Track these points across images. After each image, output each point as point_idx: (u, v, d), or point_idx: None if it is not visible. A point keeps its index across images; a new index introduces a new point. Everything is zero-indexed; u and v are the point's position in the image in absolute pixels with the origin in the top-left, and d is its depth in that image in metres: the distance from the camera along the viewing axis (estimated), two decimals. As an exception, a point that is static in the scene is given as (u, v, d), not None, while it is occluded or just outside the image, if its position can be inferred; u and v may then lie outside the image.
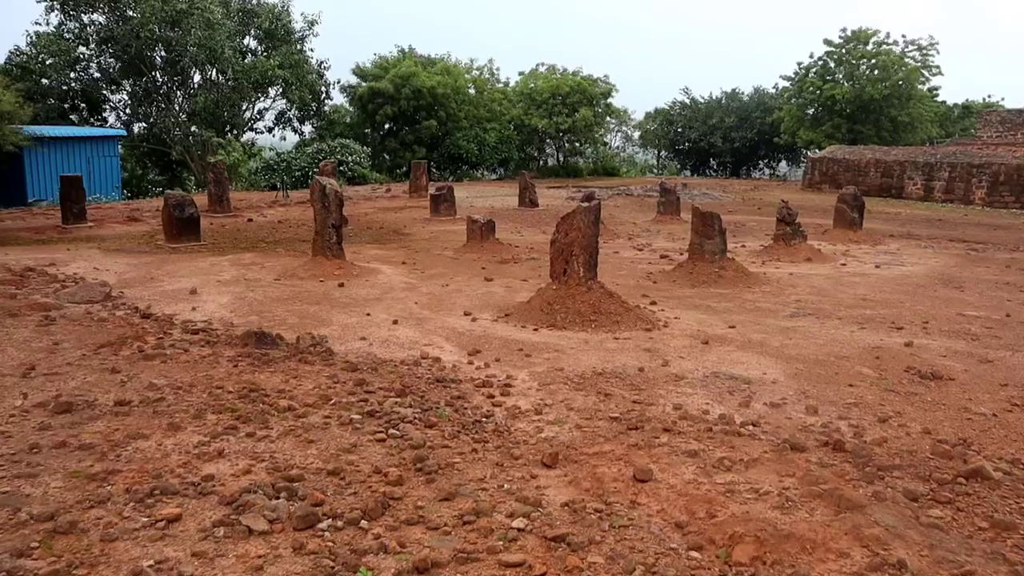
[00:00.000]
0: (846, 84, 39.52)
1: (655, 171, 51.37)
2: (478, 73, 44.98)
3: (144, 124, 37.83)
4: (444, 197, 21.34)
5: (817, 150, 37.83)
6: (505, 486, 4.45)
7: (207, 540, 3.72)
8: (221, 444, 4.90)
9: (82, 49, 35.35)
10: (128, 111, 37.70)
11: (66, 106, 35.78)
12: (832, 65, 40.53)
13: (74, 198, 18.00)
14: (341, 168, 32.11)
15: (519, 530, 3.90)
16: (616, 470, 4.66)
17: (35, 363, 6.61)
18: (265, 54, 38.76)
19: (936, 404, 6.30)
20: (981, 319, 9.60)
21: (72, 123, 34.21)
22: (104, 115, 37.64)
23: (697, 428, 5.49)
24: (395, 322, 8.84)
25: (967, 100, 48.53)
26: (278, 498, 4.12)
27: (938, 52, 39.75)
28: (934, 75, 40.57)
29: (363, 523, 3.92)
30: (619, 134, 53.29)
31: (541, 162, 46.05)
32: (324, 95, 42.20)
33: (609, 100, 44.52)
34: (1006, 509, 4.29)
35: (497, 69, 46.26)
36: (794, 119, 41.97)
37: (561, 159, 46.12)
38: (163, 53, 35.35)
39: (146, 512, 3.95)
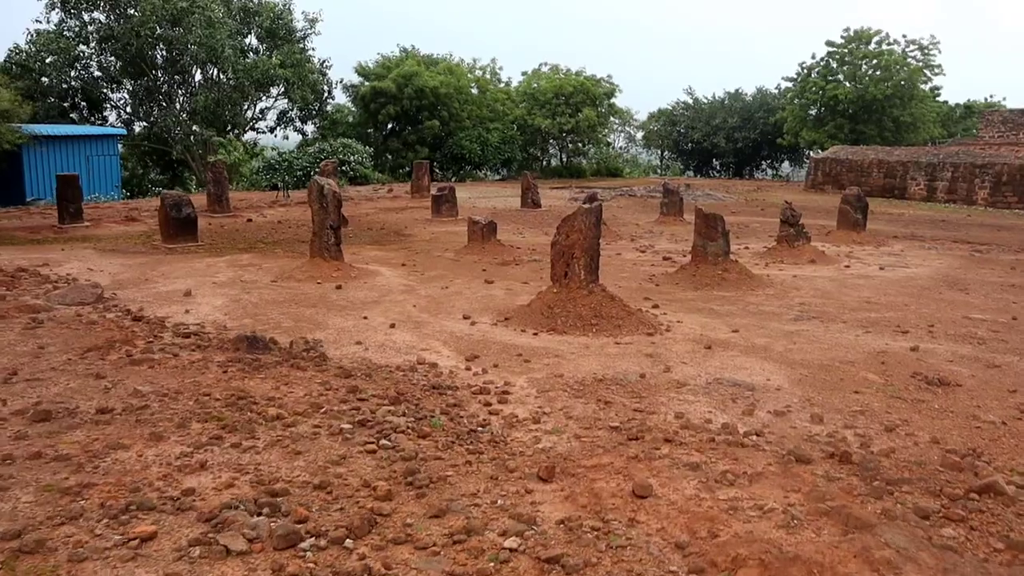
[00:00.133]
0: (848, 84, 39.35)
1: (658, 172, 51.20)
2: (481, 73, 44.84)
3: (145, 123, 37.70)
4: (445, 198, 21.17)
5: (820, 150, 37.64)
6: (499, 502, 4.26)
7: (181, 560, 3.54)
8: (204, 455, 4.71)
9: (82, 47, 35.24)
10: (129, 110, 37.58)
11: (66, 105, 35.67)
12: (834, 65, 40.37)
13: (70, 197, 17.83)
14: (343, 168, 31.96)
15: (511, 550, 3.71)
16: (615, 484, 4.47)
17: (18, 368, 6.44)
18: (267, 53, 38.62)
19: (944, 411, 6.11)
20: (987, 322, 9.41)
21: (73, 122, 34.09)
22: (105, 114, 37.53)
23: (699, 438, 5.30)
24: (392, 326, 8.66)
25: (969, 100, 48.34)
26: (260, 514, 3.93)
27: (940, 52, 39.66)
28: (936, 75, 40.47)
29: (348, 542, 3.73)
30: (622, 134, 53.12)
31: (544, 162, 45.89)
32: (326, 94, 42.06)
33: (612, 100, 44.39)
34: (1023, 528, 4.10)
35: (500, 69, 46.17)
36: (797, 119, 41.81)
37: (564, 159, 45.97)
38: (164, 52, 35.20)
39: (119, 529, 3.76)
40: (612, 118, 46.64)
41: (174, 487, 4.28)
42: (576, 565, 3.58)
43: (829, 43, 40.27)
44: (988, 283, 12.32)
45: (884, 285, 11.98)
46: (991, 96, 48.27)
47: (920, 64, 39.35)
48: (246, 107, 39.44)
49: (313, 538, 3.75)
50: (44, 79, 34.16)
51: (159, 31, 33.67)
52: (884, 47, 39.26)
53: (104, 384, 6.07)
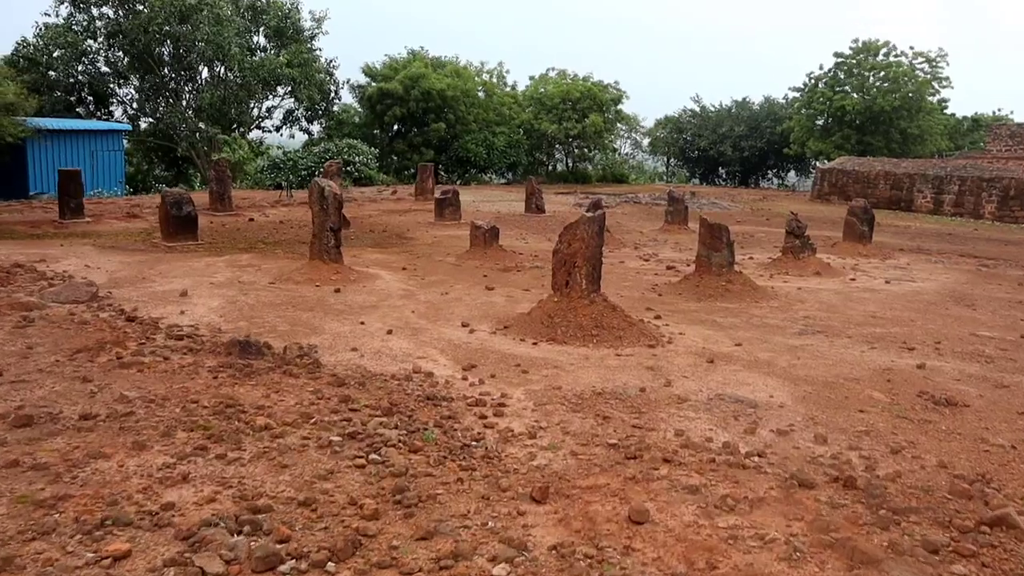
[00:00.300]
0: (856, 95, 39.18)
1: (664, 179, 51.04)
2: (488, 77, 44.74)
3: (151, 119, 37.65)
4: (449, 201, 21.01)
5: (826, 161, 37.47)
6: (489, 524, 4.10)
7: (155, 582, 3.39)
8: (188, 467, 4.56)
9: (90, 42, 35.20)
10: (135, 106, 37.55)
11: (73, 99, 35.62)
12: (842, 76, 40.21)
13: (72, 192, 17.73)
14: (348, 169, 31.83)
15: (500, 578, 3.56)
16: (610, 508, 4.31)
17: (4, 368, 6.29)
18: (274, 52, 38.55)
19: (951, 433, 5.95)
20: (995, 340, 9.24)
21: (79, 116, 34.03)
22: (111, 109, 37.49)
23: (699, 458, 5.14)
24: (389, 332, 8.51)
25: (976, 113, 48.19)
26: (240, 532, 3.78)
27: (948, 64, 39.48)
28: (944, 87, 40.29)
29: (330, 565, 3.57)
30: (628, 140, 52.94)
31: (550, 167, 45.76)
32: (333, 95, 41.97)
33: (619, 106, 44.24)
34: (1035, 565, 3.93)
35: (507, 72, 46.09)
36: (803, 129, 41.65)
37: (570, 164, 45.85)
38: (171, 48, 35.15)
39: (93, 546, 3.60)
40: (619, 124, 46.49)
41: (153, 500, 4.12)
42: (567, 595, 3.42)
43: (837, 54, 40.17)
44: (995, 299, 12.15)
45: (890, 299, 11.82)
46: (999, 109, 48.20)
47: (928, 76, 39.19)
48: (252, 105, 39.38)
49: (294, 560, 3.59)
50: (51, 73, 34.15)
51: (167, 27, 33.60)
52: (892, 58, 39.11)
53: (90, 388, 5.92)
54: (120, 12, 34.33)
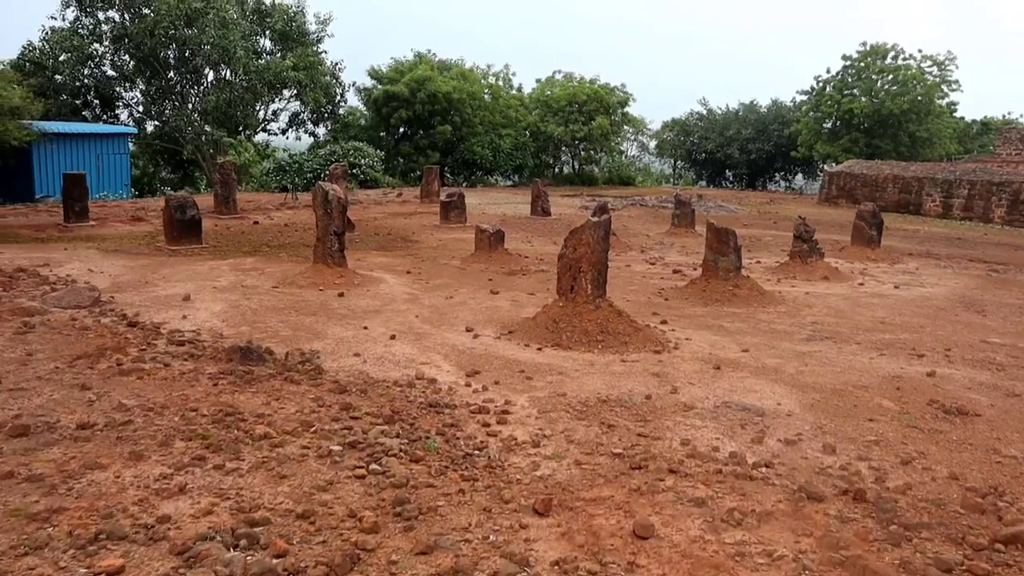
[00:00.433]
0: (864, 99, 39.01)
1: (671, 181, 50.87)
2: (494, 79, 44.67)
3: (157, 122, 37.67)
4: (454, 204, 20.91)
5: (834, 164, 37.29)
6: (491, 537, 4.01)
7: (148, 599, 3.32)
8: (185, 478, 4.48)
9: (96, 46, 35.24)
10: (141, 109, 37.57)
11: (79, 102, 35.67)
12: (850, 79, 40.05)
13: (76, 196, 17.69)
14: (353, 171, 31.79)
15: (501, 595, 3.47)
16: (615, 522, 4.22)
17: (2, 376, 6.23)
18: (280, 55, 38.56)
19: (962, 443, 5.84)
20: (1006, 347, 9.12)
21: (85, 119, 34.06)
22: (117, 112, 37.52)
23: (705, 469, 5.04)
24: (393, 337, 8.43)
25: (986, 116, 47.97)
26: (236, 547, 3.70)
27: (956, 67, 39.27)
28: (953, 91, 40.08)
29: (327, 581, 3.50)
30: (635, 143, 52.80)
31: (556, 169, 45.66)
32: (338, 97, 41.96)
33: (626, 109, 44.14)
34: (1051, 582, 3.83)
35: (513, 75, 45.99)
36: (811, 132, 41.48)
37: (576, 167, 45.73)
38: (177, 52, 35.17)
39: (86, 562, 3.53)
40: (625, 127, 46.37)
41: (149, 513, 4.05)
42: (570, 614, 3.34)
43: (845, 57, 40.04)
44: (1006, 305, 12.01)
45: (899, 305, 11.69)
46: (1008, 113, 47.93)
47: (937, 80, 39.00)
48: (258, 108, 39.41)
49: (290, 576, 3.52)
50: (57, 77, 34.18)
51: (173, 31, 33.62)
52: (900, 62, 38.95)
53: (89, 396, 5.85)
54: (126, 16, 34.37)
